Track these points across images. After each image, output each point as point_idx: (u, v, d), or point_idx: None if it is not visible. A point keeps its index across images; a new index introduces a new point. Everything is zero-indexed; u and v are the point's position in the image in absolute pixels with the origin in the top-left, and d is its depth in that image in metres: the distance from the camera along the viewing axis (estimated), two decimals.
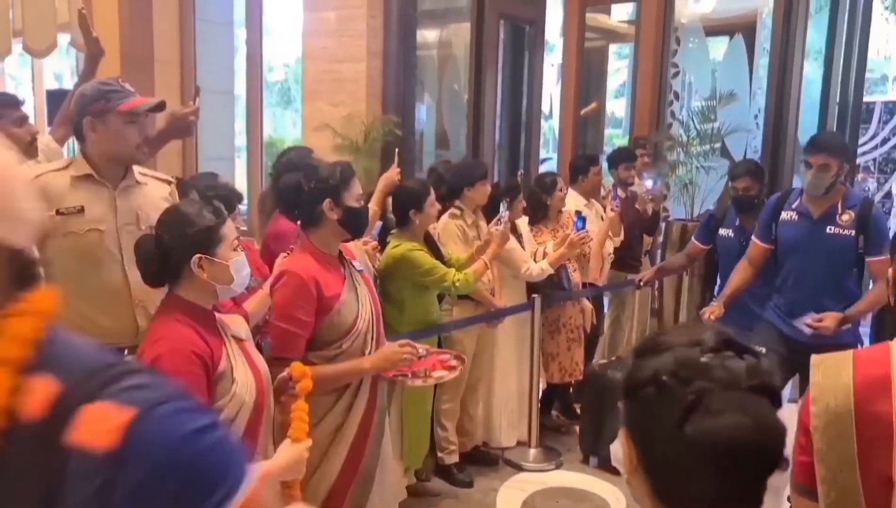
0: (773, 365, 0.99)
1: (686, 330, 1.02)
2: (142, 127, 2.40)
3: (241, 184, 8.45)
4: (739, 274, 3.60)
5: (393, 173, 3.56)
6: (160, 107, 2.45)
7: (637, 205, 4.75)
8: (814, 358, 1.63)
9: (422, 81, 6.90)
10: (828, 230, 3.26)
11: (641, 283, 4.34)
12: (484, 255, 3.48)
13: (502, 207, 3.62)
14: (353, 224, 2.52)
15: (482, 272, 3.48)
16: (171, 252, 1.89)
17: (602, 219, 4.58)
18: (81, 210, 2.34)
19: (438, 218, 3.75)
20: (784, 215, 3.41)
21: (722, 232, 4.07)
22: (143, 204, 2.43)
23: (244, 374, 1.93)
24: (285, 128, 11.09)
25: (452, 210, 3.88)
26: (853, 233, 3.23)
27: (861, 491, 1.51)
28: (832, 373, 1.56)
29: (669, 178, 5.62)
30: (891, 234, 4.57)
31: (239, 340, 2.02)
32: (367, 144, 6.07)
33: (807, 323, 3.23)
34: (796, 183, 6.46)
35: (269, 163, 8.49)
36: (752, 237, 3.55)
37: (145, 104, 2.39)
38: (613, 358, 4.61)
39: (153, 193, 2.48)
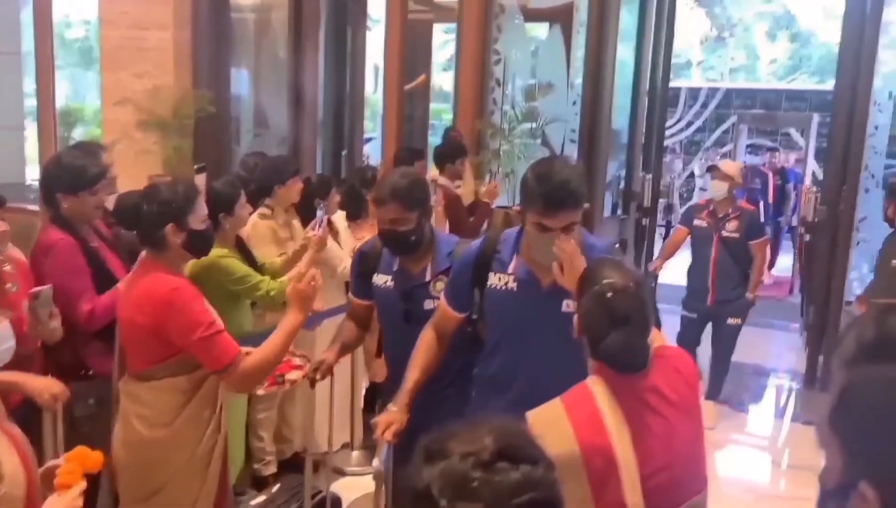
0: (551, 471, 0.97)
1: (469, 434, 0.97)
2: None
3: (32, 154, 7.58)
4: (423, 352, 2.38)
5: None
6: None
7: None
8: (528, 415, 1.73)
9: (238, 47, 6.45)
10: (564, 306, 2.14)
11: (311, 381, 2.84)
12: (300, 262, 3.28)
13: (319, 211, 3.42)
14: (199, 246, 2.42)
15: (298, 280, 3.28)
16: None
17: None
18: None
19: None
20: (494, 280, 2.25)
21: (377, 279, 2.67)
22: None
23: (12, 464, 1.56)
24: (87, 91, 10.11)
25: (262, 209, 3.63)
26: None
27: None
28: (550, 424, 1.68)
29: (490, 167, 5.64)
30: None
31: None
32: (176, 121, 5.60)
33: None
34: (613, 169, 6.76)
35: (64, 135, 7.69)
36: (442, 297, 2.42)
37: None
38: None
39: None
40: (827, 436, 0.73)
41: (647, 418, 1.73)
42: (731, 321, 4.90)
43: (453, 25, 6.53)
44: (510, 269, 2.24)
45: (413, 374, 2.35)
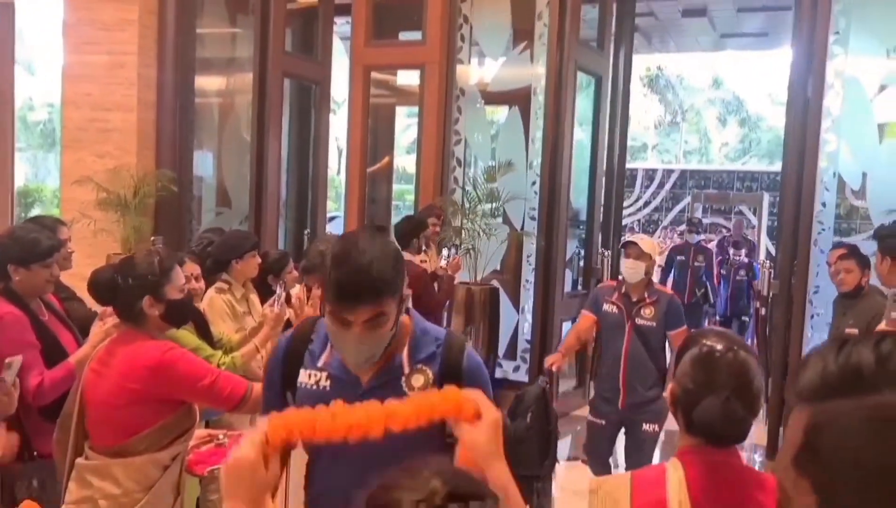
0: (496, 504, 0.98)
1: (414, 481, 0.98)
2: None
3: None
4: None
5: None
6: None
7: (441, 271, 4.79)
8: (591, 482, 1.62)
9: (201, 130, 6.53)
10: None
11: None
12: (255, 338, 3.24)
13: (279, 288, 3.40)
14: (177, 316, 2.43)
15: (251, 356, 3.23)
16: None
17: None
18: None
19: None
20: (304, 377, 1.79)
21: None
22: None
23: None
24: (48, 172, 10.07)
25: (219, 284, 3.60)
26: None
27: None
28: (610, 500, 1.55)
29: (454, 242, 5.70)
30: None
31: None
32: (136, 200, 5.60)
33: None
34: (573, 246, 6.88)
35: (21, 215, 7.60)
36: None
37: None
38: None
39: None
40: (793, 479, 0.68)
41: None
42: (646, 427, 3.99)
43: (416, 109, 6.72)
44: (321, 363, 1.76)
45: None
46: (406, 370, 1.72)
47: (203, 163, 6.61)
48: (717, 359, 1.53)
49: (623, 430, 4.11)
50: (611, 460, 4.36)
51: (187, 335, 3.15)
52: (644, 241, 4.06)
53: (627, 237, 4.27)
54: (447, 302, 5.32)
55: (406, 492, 0.96)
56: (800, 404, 0.67)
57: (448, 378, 1.65)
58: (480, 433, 1.31)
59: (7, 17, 6.48)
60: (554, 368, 4.05)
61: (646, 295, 4.01)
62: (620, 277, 4.18)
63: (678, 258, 8.74)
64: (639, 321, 3.99)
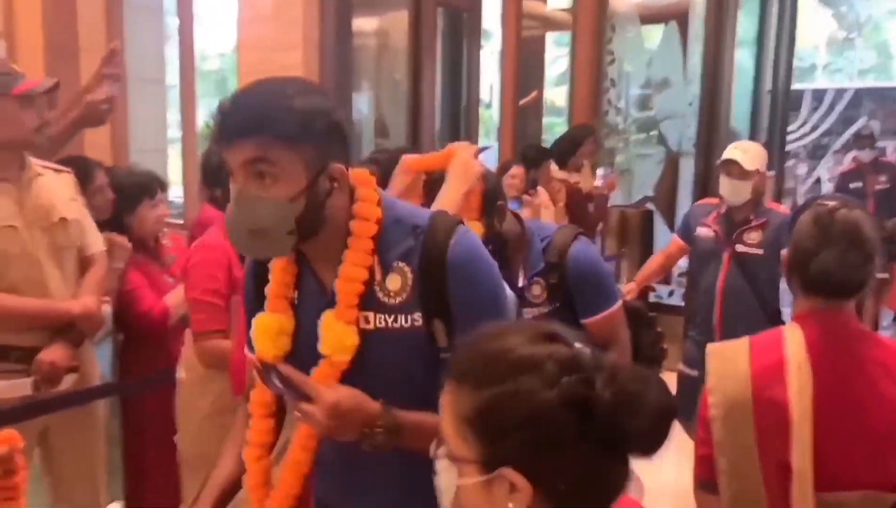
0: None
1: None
2: (39, 110, 2.31)
3: (175, 176, 8.24)
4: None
5: None
6: (55, 87, 2.37)
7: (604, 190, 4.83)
8: (710, 347, 1.64)
9: (359, 70, 6.82)
10: (363, 321, 1.41)
11: None
12: None
13: None
14: None
15: None
16: None
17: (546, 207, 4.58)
18: None
19: None
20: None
21: None
22: (48, 197, 2.35)
23: None
24: None
25: None
26: None
27: (762, 479, 1.51)
28: (729, 362, 1.57)
29: (609, 162, 5.69)
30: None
31: None
32: None
33: None
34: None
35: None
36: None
37: (41, 85, 2.32)
38: None
39: (54, 186, 2.40)
40: None
41: (851, 382, 1.50)
42: None
43: (566, 39, 6.64)
44: None
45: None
46: (378, 274, 1.32)
47: (361, 99, 6.92)
48: (832, 216, 1.55)
49: None
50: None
51: None
52: (748, 153, 3.21)
53: (726, 154, 3.28)
54: (600, 223, 5.33)
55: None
56: None
57: (428, 276, 1.30)
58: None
59: None
60: (628, 298, 3.35)
61: (751, 217, 3.22)
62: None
63: (852, 186, 6.92)
64: (740, 248, 3.24)
